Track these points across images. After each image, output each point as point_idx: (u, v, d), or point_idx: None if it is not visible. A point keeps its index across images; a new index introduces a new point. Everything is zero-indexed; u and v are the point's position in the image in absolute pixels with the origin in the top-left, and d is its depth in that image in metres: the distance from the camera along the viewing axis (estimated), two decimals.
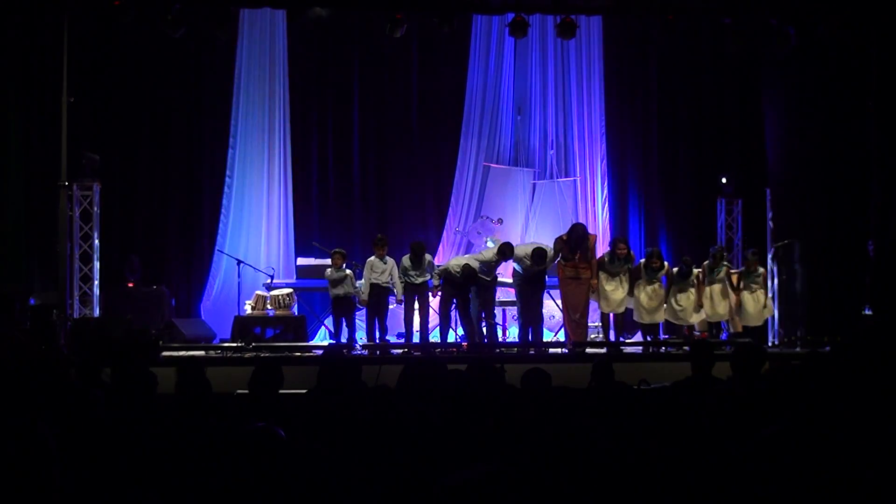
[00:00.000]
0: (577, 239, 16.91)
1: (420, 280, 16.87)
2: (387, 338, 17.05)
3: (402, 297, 16.97)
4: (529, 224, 17.04)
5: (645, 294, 16.93)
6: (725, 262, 17.38)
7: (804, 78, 19.34)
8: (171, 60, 19.57)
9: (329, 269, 17.05)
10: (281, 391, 7.68)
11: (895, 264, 17.60)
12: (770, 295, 18.14)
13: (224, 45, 19.47)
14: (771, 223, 19.61)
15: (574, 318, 16.91)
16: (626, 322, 17.56)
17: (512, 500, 3.62)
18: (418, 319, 17.11)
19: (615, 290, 16.91)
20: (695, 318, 17.14)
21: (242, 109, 19.94)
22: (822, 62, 19.01)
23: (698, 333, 17.35)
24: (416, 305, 17.01)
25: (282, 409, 7.11)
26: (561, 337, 17.67)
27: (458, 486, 3.60)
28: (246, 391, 7.74)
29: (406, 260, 16.83)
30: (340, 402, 6.97)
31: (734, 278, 17.36)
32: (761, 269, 17.45)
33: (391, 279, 16.92)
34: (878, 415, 5.51)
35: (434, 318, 17.82)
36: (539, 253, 16.34)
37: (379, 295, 16.89)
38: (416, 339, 17.00)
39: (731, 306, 17.19)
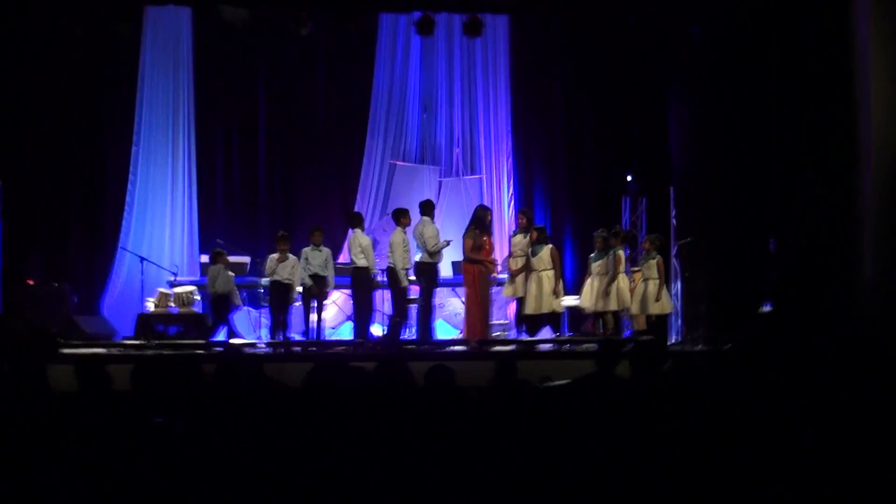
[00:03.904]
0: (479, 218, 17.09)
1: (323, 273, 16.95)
2: (290, 335, 17.01)
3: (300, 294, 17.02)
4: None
5: (535, 283, 16.88)
6: (618, 249, 17.28)
7: (707, 77, 19.54)
8: (73, 57, 19.26)
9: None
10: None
11: (797, 261, 17.86)
12: (673, 291, 18.32)
13: (128, 41, 19.25)
14: (674, 220, 19.79)
15: (486, 315, 16.95)
16: (526, 319, 17.54)
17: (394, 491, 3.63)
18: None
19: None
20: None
21: (146, 106, 19.78)
22: (726, 61, 19.21)
23: (603, 331, 17.44)
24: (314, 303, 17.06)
25: (186, 406, 7.05)
26: None
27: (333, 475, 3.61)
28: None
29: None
30: (241, 399, 6.94)
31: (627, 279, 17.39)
32: (657, 256, 17.30)
33: (293, 276, 16.93)
34: (778, 410, 5.58)
35: (337, 317, 17.90)
36: None
37: (281, 292, 16.83)
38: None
39: (616, 295, 17.08)
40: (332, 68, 20.76)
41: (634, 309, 17.31)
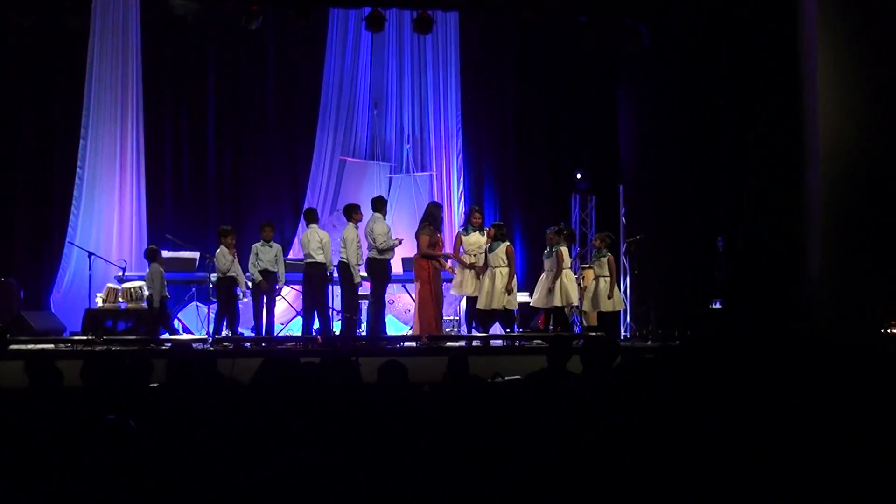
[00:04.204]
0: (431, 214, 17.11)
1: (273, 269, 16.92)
2: (240, 331, 16.95)
3: (248, 290, 16.96)
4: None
5: (489, 279, 16.86)
6: (561, 246, 17.27)
7: (657, 76, 19.68)
8: (21, 49, 19.07)
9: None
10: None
11: (745, 260, 18.01)
12: (623, 289, 18.44)
13: (76, 33, 19.08)
14: (624, 219, 19.90)
15: (440, 311, 16.99)
16: (478, 314, 17.53)
17: (332, 490, 3.64)
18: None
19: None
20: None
21: (95, 100, 19.52)
22: (675, 61, 19.35)
23: (552, 327, 17.47)
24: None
25: (137, 402, 7.03)
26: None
27: (274, 476, 3.61)
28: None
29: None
30: (193, 396, 6.92)
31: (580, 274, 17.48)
32: (607, 254, 17.30)
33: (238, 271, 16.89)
34: (727, 406, 5.63)
35: (286, 313, 17.90)
36: None
37: (232, 287, 16.77)
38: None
39: (560, 292, 17.09)
40: (281, 63, 20.70)
41: (586, 306, 17.42)
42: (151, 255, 17.10)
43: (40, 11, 17.31)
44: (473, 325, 17.30)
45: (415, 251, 17.23)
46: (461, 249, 17.04)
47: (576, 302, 17.21)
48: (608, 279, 17.01)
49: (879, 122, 16.68)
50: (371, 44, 20.70)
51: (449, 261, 17.20)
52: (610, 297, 16.98)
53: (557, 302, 16.92)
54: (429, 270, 16.78)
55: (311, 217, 17.33)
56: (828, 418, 5.36)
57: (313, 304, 16.92)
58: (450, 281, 17.40)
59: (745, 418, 5.28)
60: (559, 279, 16.86)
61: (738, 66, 18.60)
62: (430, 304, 16.81)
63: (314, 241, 16.80)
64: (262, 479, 3.66)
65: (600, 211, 20.59)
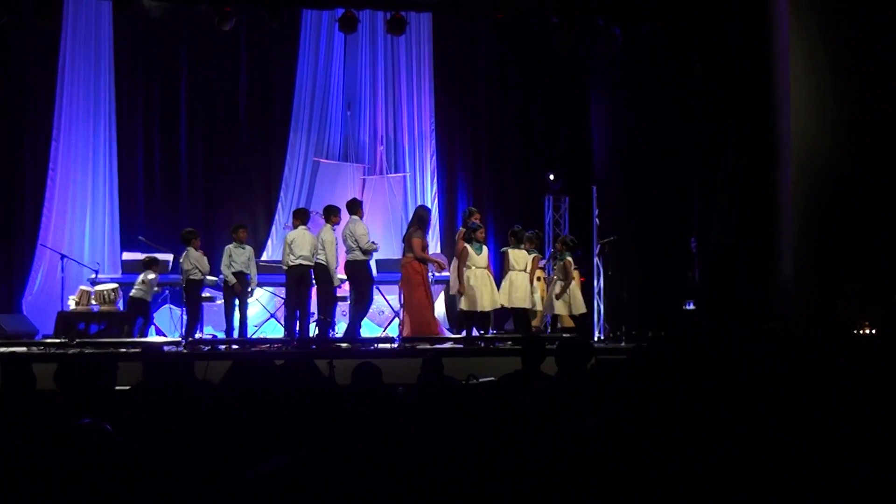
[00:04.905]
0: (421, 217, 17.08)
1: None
2: (205, 334, 16.94)
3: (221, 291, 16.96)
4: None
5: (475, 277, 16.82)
6: (510, 248, 17.24)
7: (630, 77, 19.72)
8: None
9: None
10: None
11: (718, 260, 18.05)
12: (597, 290, 18.50)
13: (48, 35, 19.03)
14: (597, 220, 19.92)
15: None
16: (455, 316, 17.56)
17: (316, 491, 3.64)
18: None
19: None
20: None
21: (67, 101, 19.50)
22: (648, 62, 19.38)
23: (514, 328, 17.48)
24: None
25: (109, 405, 7.01)
26: (391, 332, 17.66)
27: (260, 478, 3.61)
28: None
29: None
30: (168, 399, 6.91)
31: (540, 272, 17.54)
32: (566, 257, 17.36)
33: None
34: (700, 406, 5.65)
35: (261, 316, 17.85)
36: None
37: (195, 290, 16.71)
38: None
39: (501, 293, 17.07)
40: (254, 64, 20.66)
41: (547, 309, 17.53)
42: (149, 265, 17.21)
43: (12, 14, 17.21)
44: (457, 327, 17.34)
45: (391, 254, 17.24)
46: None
47: (524, 304, 17.11)
48: (563, 282, 17.11)
49: (851, 124, 16.75)
50: (344, 45, 20.72)
51: (441, 259, 17.29)
52: (559, 298, 17.06)
53: (495, 304, 16.98)
54: (422, 273, 16.73)
55: (305, 218, 17.15)
56: (800, 418, 5.39)
57: (291, 304, 16.83)
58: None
59: (717, 418, 5.30)
60: (503, 281, 16.92)
61: (711, 68, 18.65)
62: (428, 307, 16.83)
63: (309, 244, 16.66)
64: (244, 482, 3.66)
65: (573, 212, 20.60)
